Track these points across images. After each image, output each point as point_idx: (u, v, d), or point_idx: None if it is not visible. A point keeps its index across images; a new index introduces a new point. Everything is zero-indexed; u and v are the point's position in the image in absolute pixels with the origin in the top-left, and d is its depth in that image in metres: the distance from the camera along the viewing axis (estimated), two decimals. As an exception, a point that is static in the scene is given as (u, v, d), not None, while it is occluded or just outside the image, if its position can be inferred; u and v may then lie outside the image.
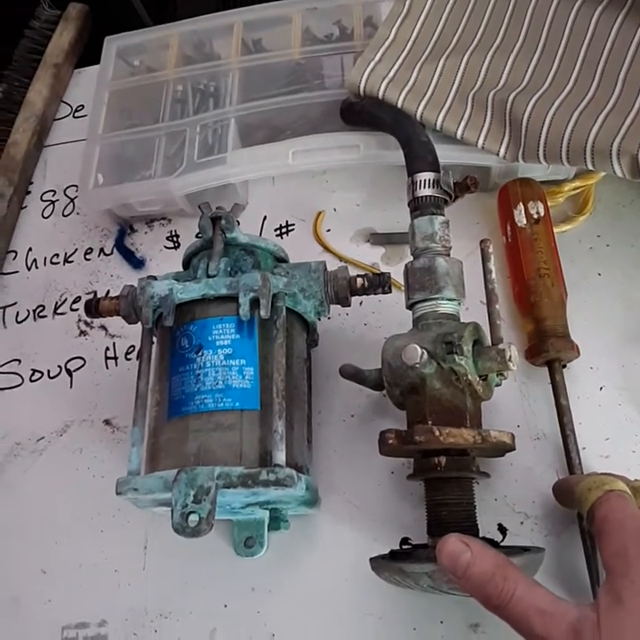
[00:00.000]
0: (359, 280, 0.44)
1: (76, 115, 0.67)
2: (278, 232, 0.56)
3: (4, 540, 0.49)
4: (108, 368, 0.54)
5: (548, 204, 0.50)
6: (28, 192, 0.63)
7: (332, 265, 0.46)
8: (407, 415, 0.40)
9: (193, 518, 0.35)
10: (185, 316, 0.41)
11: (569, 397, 0.45)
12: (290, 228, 0.56)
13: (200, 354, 0.40)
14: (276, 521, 0.43)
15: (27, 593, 0.47)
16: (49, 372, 0.55)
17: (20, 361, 0.55)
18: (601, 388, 0.46)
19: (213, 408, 0.39)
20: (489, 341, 0.40)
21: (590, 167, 0.45)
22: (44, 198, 0.63)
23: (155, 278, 0.44)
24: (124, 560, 0.47)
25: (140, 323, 0.44)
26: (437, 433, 0.36)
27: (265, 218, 0.57)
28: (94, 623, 0.45)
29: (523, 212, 0.49)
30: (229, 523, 0.45)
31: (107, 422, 0.51)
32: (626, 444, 0.44)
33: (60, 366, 0.54)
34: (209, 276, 0.42)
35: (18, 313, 0.58)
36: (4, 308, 0.58)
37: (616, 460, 0.44)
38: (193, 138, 0.54)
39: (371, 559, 0.39)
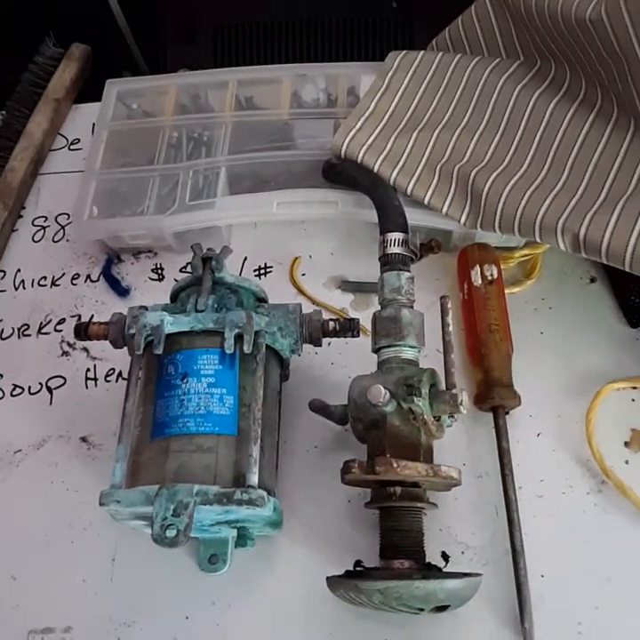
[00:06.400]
0: (331, 323, 0.49)
1: (72, 147, 0.70)
2: (257, 273, 0.61)
3: (-23, 546, 0.51)
4: (87, 388, 0.57)
5: (501, 267, 0.56)
6: (20, 216, 0.66)
7: (306, 307, 0.50)
8: (368, 448, 0.45)
9: (171, 530, 0.39)
10: (173, 345, 0.45)
11: (510, 441, 0.49)
12: (268, 269, 0.61)
13: (185, 381, 0.44)
14: (243, 538, 0.46)
15: (-5, 598, 0.49)
16: (30, 388, 0.57)
17: (2, 376, 0.58)
18: (538, 435, 0.51)
19: (194, 431, 0.42)
20: (444, 386, 0.45)
21: (538, 240, 0.51)
22: (35, 223, 0.66)
23: (145, 308, 0.48)
24: (93, 571, 0.49)
25: (126, 348, 0.48)
26: (395, 465, 0.41)
27: (245, 259, 0.61)
28: (60, 629, 0.47)
29: (479, 273, 0.54)
30: (195, 540, 0.48)
31: (83, 439, 0.54)
32: (558, 486, 0.49)
33: (41, 383, 0.57)
34: (197, 311, 0.46)
35: (3, 330, 0.60)
36: (-11, 324, 0.61)
37: (548, 500, 0.49)
38: (185, 181, 0.59)
39: (327, 577, 0.43)
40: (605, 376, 0.52)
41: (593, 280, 0.58)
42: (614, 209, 0.48)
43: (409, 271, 0.49)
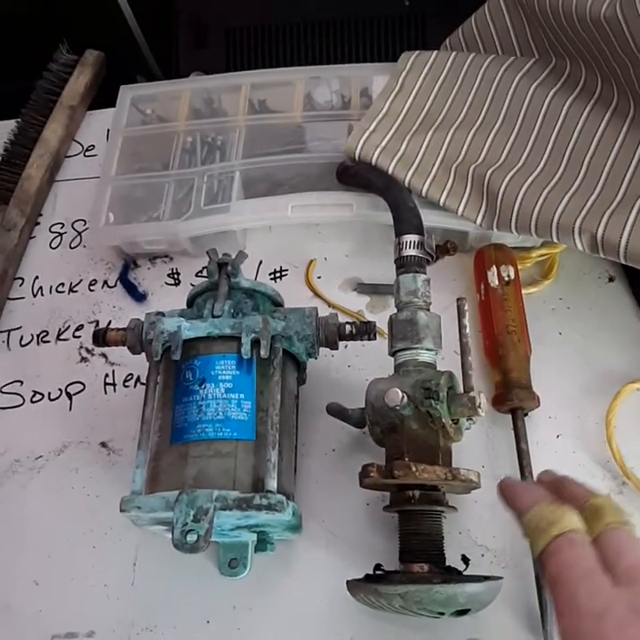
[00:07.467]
0: (348, 327, 0.48)
1: (87, 154, 0.71)
2: (272, 276, 0.61)
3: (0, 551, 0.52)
4: (106, 394, 0.57)
5: (518, 267, 0.56)
6: (38, 223, 0.67)
7: (321, 310, 0.50)
8: (386, 452, 0.45)
9: (192, 536, 0.39)
10: (190, 351, 0.45)
11: (529, 443, 0.49)
12: (283, 273, 0.61)
13: (203, 386, 0.44)
14: (263, 543, 0.46)
15: (19, 602, 0.49)
16: (50, 394, 0.58)
17: (22, 382, 0.59)
18: (558, 436, 0.51)
19: (213, 436, 0.43)
20: (461, 389, 0.45)
21: (555, 240, 0.51)
22: (52, 230, 0.67)
23: (163, 314, 0.48)
24: (114, 575, 0.49)
25: (144, 354, 0.48)
26: (414, 468, 0.41)
27: (261, 262, 0.61)
28: (83, 633, 0.48)
29: (495, 274, 0.54)
30: (215, 544, 0.48)
31: (103, 445, 0.55)
32: (577, 488, 0.49)
33: (60, 389, 0.58)
34: (214, 316, 0.46)
35: (22, 337, 0.61)
36: (9, 331, 0.62)
37: (568, 501, 0.49)
38: (200, 186, 0.59)
39: (347, 581, 0.43)
40: (625, 376, 0.52)
41: (611, 279, 0.57)
42: (632, 208, 0.48)
43: (425, 273, 0.49)
